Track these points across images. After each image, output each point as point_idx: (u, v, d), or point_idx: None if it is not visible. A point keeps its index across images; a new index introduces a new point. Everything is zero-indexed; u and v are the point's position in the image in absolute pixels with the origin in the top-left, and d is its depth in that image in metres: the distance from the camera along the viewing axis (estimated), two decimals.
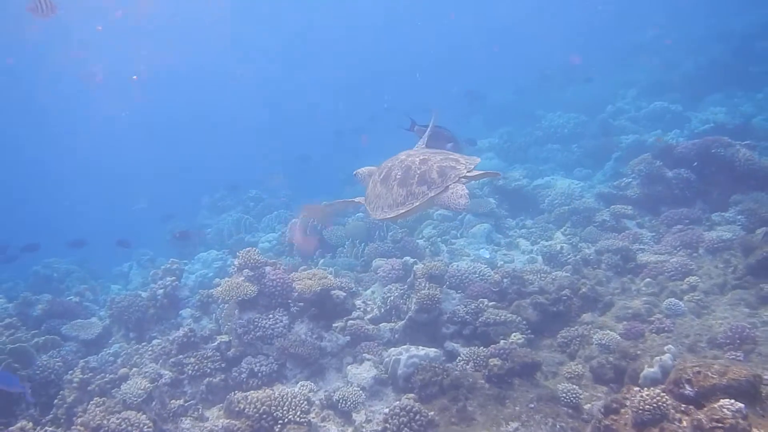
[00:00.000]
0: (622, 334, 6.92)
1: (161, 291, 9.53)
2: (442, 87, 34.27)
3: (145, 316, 9.46)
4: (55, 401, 7.27)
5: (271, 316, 7.33)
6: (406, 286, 8.70)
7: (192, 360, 7.17)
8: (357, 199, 6.90)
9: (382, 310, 8.34)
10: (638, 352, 6.14)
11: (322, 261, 11.61)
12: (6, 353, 7.73)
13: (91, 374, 7.49)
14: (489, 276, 8.88)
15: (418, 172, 5.73)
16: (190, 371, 7.07)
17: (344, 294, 7.86)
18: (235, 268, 7.84)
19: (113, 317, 9.59)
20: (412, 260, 9.16)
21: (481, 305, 7.70)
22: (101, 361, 8.63)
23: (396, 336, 7.71)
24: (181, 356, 7.28)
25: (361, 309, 8.42)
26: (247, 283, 7.45)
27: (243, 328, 7.27)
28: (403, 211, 5.73)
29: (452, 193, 5.51)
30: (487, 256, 10.93)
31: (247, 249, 7.85)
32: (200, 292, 9.44)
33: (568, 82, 27.05)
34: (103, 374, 7.59)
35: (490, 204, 12.48)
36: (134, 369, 7.68)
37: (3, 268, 16.28)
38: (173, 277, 9.77)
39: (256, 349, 7.26)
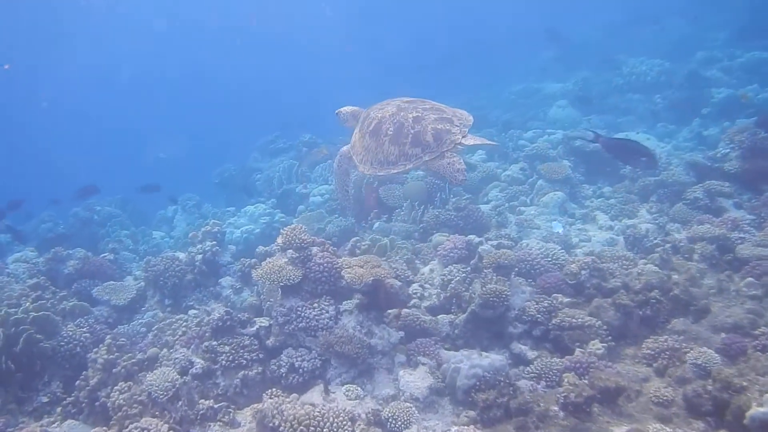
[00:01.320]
0: (719, 350, 6.03)
1: (200, 257, 8.97)
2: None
3: (182, 282, 8.94)
4: (78, 382, 6.83)
5: (316, 305, 6.66)
6: (469, 269, 7.95)
7: (227, 348, 6.60)
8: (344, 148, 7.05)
9: (441, 297, 7.61)
10: (744, 383, 5.28)
11: (377, 224, 10.89)
12: (28, 323, 7.26)
13: (117, 354, 6.98)
14: (563, 260, 8.07)
15: (412, 131, 5.81)
16: (224, 361, 6.51)
17: (399, 283, 7.15)
18: (279, 247, 7.16)
19: (148, 280, 9.10)
20: (477, 240, 8.34)
21: (554, 302, 6.90)
22: (131, 332, 8.18)
23: (456, 331, 7.00)
24: (215, 343, 6.71)
25: (418, 294, 7.73)
26: (290, 267, 6.78)
27: (284, 317, 6.65)
28: (394, 171, 6.00)
29: (449, 165, 5.70)
30: (560, 231, 10.07)
31: (292, 226, 7.13)
32: (242, 261, 8.83)
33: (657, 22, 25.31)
34: (130, 354, 7.10)
35: (565, 169, 11.52)
36: (165, 350, 7.16)
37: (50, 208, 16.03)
38: (213, 242, 9.17)
39: (298, 341, 6.65)
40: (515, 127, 16.62)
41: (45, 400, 7.02)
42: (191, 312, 8.45)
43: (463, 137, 5.79)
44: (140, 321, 8.43)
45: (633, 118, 18.28)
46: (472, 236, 8.49)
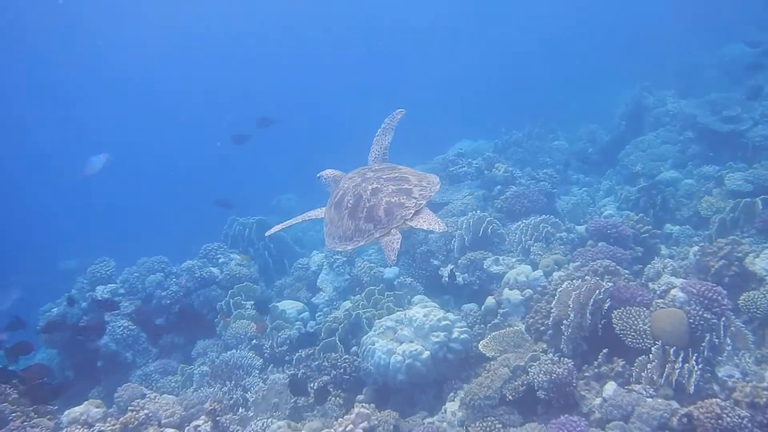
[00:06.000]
0: None
1: None
2: None
3: None
4: None
5: None
6: None
7: None
8: (313, 213, 7.44)
9: None
10: None
11: (610, 388, 7.67)
12: None
13: None
14: None
15: (367, 205, 6.19)
16: None
17: None
18: None
19: None
20: None
21: None
22: None
23: None
24: None
25: None
26: None
27: None
28: (350, 247, 6.35)
29: (388, 242, 5.94)
30: None
31: None
32: None
33: None
34: None
35: None
36: None
37: None
38: None
39: None
40: None
41: None
42: None
43: (416, 212, 5.99)
44: None
45: None
46: None
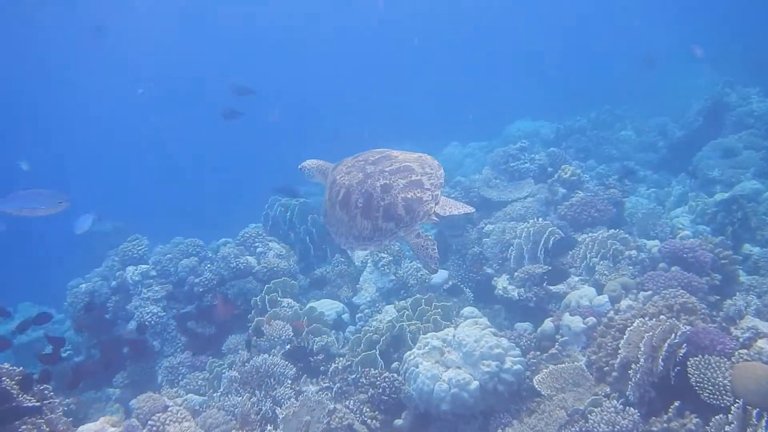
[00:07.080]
0: None
1: None
2: None
3: None
4: None
5: None
6: None
7: None
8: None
9: None
10: None
11: None
12: None
13: None
14: None
15: (382, 204, 6.11)
16: None
17: None
18: None
19: None
20: None
21: None
22: None
23: None
24: None
25: None
26: None
27: None
28: (372, 247, 6.39)
29: (422, 248, 6.28)
30: None
31: None
32: None
33: None
34: None
35: None
36: None
37: None
38: None
39: None
40: None
41: None
42: None
43: (436, 204, 6.06)
44: None
45: None
46: None
